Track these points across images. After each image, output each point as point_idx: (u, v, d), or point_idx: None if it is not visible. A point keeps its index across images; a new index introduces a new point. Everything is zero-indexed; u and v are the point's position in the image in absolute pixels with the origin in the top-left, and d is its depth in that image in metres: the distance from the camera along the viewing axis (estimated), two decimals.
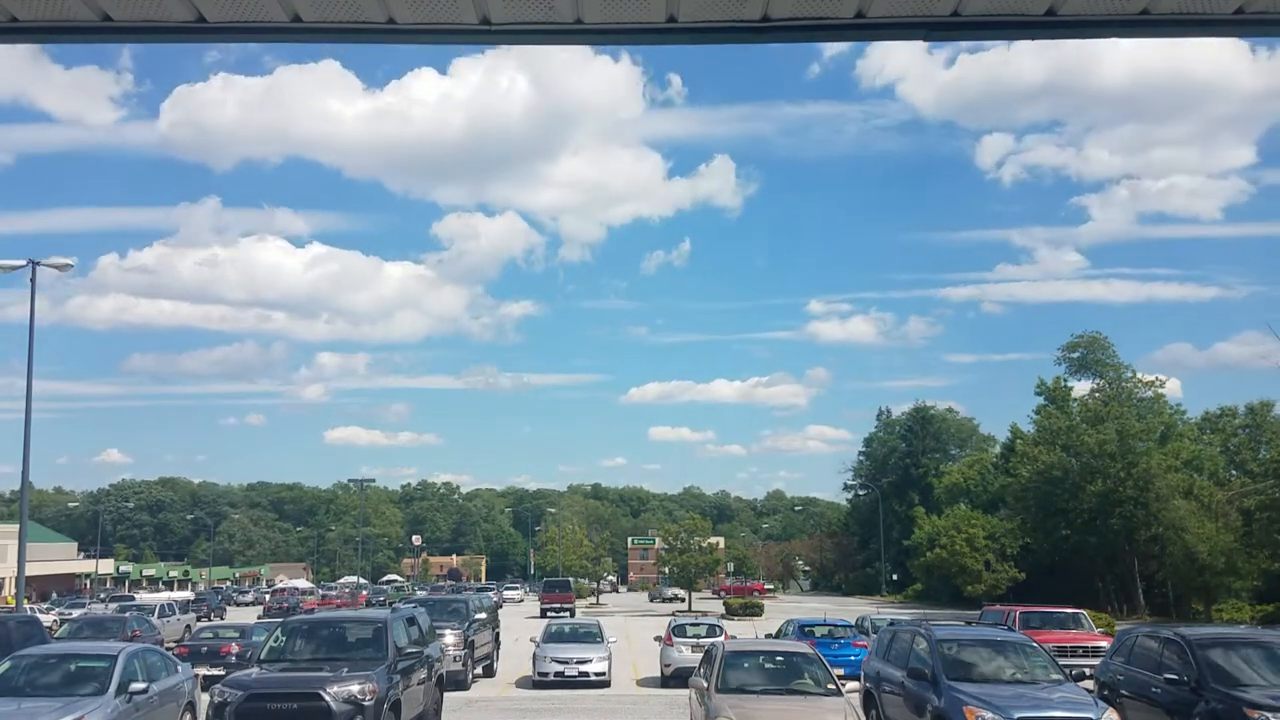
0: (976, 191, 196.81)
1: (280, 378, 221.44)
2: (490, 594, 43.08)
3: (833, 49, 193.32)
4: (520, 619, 50.39)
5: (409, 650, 16.93)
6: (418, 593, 66.22)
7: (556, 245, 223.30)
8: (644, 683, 26.39)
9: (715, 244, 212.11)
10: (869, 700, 17.05)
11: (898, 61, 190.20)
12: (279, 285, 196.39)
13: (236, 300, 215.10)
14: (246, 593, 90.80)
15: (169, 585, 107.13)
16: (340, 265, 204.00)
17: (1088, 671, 21.03)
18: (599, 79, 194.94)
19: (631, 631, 42.62)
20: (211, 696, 14.75)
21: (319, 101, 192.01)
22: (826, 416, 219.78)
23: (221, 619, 51.48)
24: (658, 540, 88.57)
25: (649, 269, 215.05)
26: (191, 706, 16.64)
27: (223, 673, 20.37)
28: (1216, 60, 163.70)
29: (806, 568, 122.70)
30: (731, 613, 57.25)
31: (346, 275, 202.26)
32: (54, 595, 74.99)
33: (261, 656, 16.58)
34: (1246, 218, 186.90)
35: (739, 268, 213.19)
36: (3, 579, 78.84)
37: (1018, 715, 12.66)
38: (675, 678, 24.00)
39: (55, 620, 39.42)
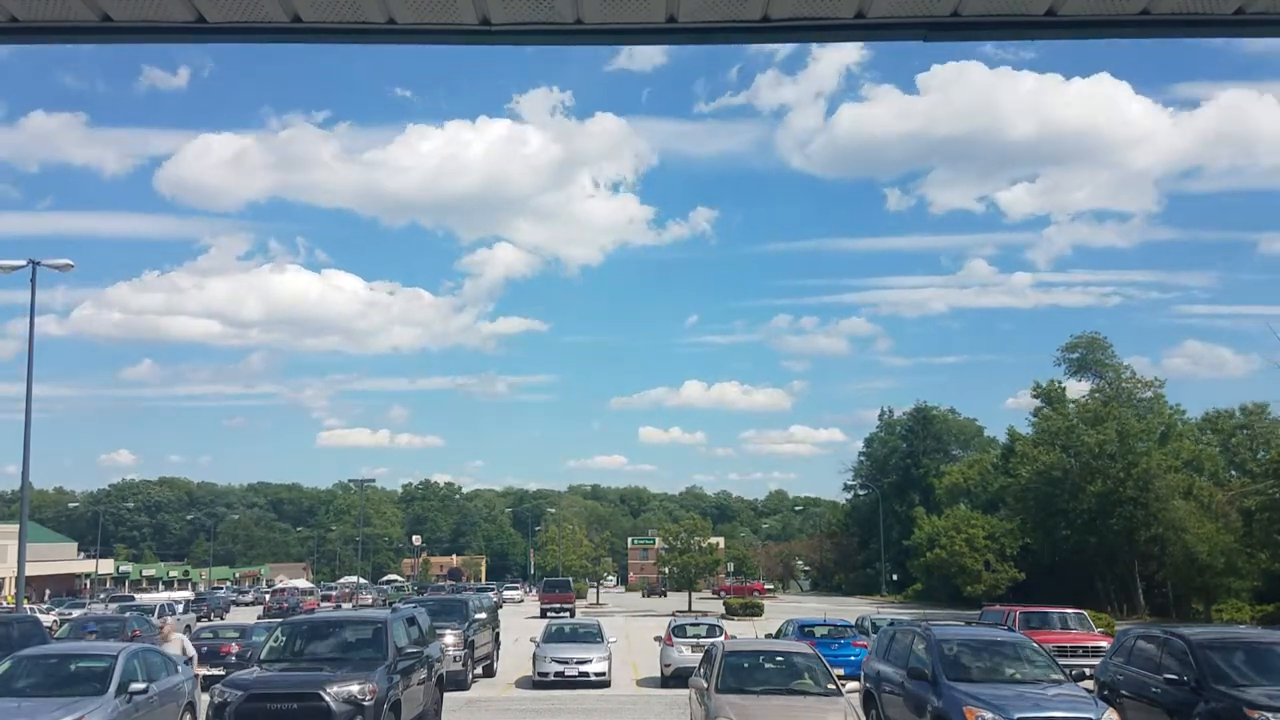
0: (912, 217, 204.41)
1: (282, 382, 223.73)
2: (490, 594, 43.10)
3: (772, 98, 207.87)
4: (520, 619, 50.38)
5: (409, 650, 16.94)
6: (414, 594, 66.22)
7: (534, 269, 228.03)
8: (644, 683, 26.39)
9: (687, 259, 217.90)
10: (869, 700, 17.04)
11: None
12: (291, 307, 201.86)
13: (251, 320, 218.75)
14: (246, 593, 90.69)
15: (169, 585, 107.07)
16: (350, 289, 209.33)
17: (1088, 671, 21.03)
18: (596, 136, 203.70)
19: (631, 631, 42.61)
20: (211, 696, 14.75)
21: (329, 158, 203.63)
22: (808, 419, 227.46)
23: (223, 619, 51.51)
24: (658, 540, 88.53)
25: (628, 287, 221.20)
26: (191, 706, 16.63)
27: (223, 673, 20.36)
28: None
29: (806, 568, 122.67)
30: (731, 613, 57.24)
31: (354, 296, 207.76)
32: (59, 595, 74.89)
33: (261, 656, 16.60)
34: (1166, 223, 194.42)
35: (706, 279, 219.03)
36: (3, 579, 78.85)
37: (1017, 715, 12.66)
38: (675, 678, 24.00)
39: (55, 620, 39.43)
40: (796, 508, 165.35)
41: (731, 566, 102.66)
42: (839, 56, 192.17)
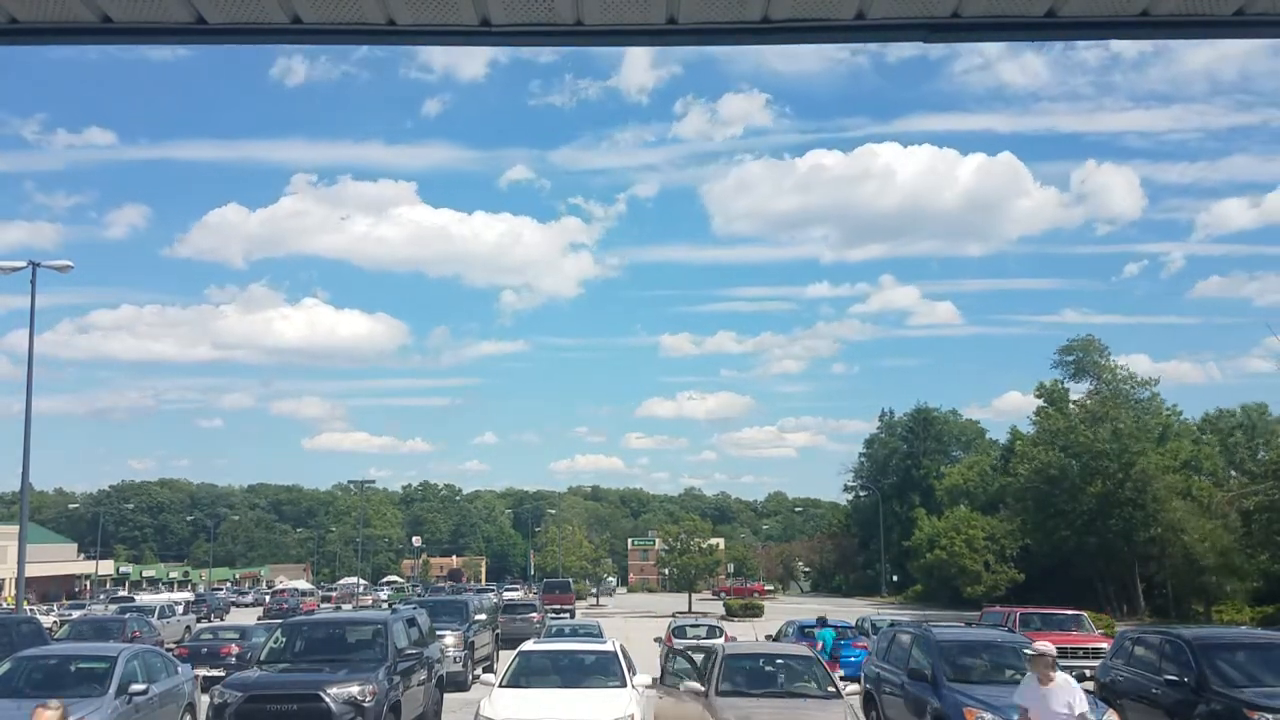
0: None
1: (284, 385, 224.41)
2: (490, 595, 43.11)
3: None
4: None
5: (409, 651, 16.95)
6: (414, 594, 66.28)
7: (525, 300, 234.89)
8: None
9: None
10: (869, 702, 17.04)
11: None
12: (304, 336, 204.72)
13: (265, 346, 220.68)
14: (246, 594, 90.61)
15: (169, 586, 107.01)
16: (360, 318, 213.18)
17: (1088, 673, 21.02)
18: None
19: (631, 632, 42.56)
20: (211, 697, 14.74)
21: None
22: (773, 422, 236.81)
23: (223, 620, 51.49)
24: (658, 541, 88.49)
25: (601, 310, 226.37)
26: (191, 707, 16.61)
27: (222, 674, 20.34)
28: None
29: (806, 569, 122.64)
30: (731, 614, 57.21)
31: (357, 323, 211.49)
32: (62, 598, 74.75)
33: (261, 657, 16.60)
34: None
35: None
36: (2, 580, 78.79)
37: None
38: None
39: (55, 621, 39.41)
40: (797, 509, 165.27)
41: (731, 567, 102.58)
42: None
